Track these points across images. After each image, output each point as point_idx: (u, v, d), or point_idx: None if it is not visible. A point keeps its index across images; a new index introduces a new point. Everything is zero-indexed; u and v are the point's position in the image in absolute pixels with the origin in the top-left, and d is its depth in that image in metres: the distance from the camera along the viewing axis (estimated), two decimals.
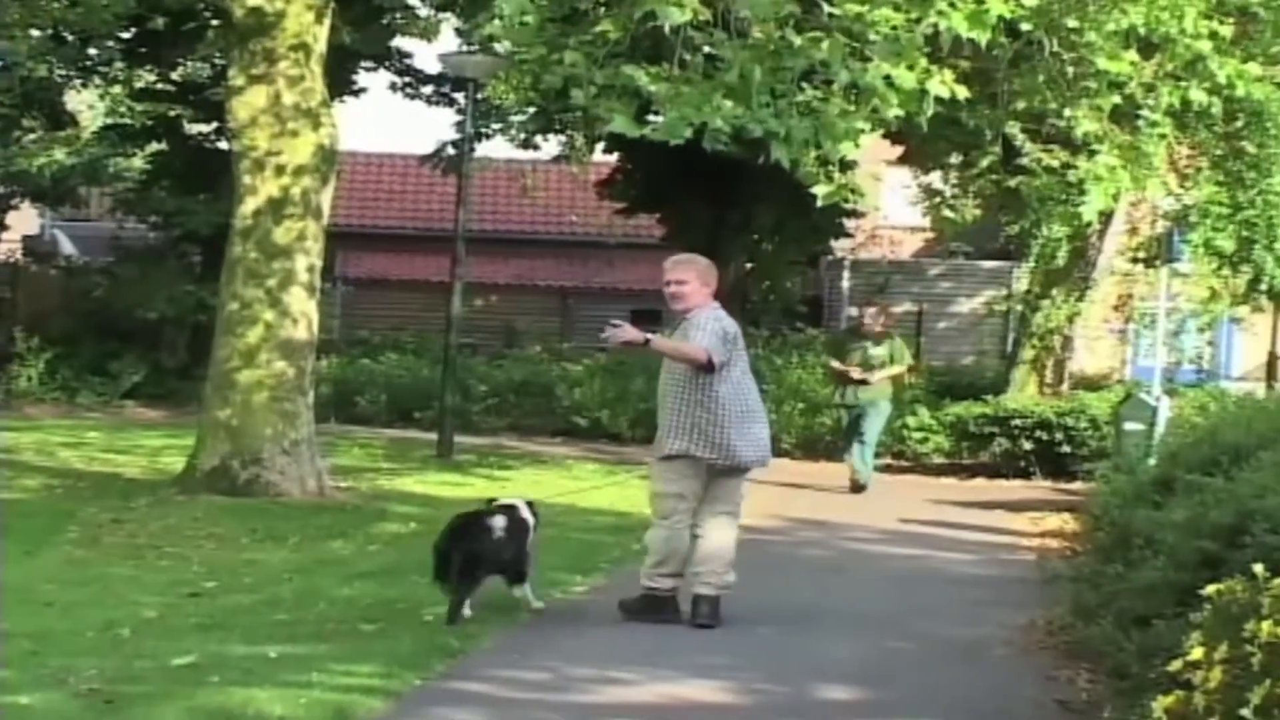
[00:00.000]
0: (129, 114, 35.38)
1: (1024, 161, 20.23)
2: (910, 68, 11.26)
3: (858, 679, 9.44)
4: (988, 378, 29.34)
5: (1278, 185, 22.25)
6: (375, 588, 12.01)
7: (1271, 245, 22.66)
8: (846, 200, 13.74)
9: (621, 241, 39.43)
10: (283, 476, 17.60)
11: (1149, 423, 18.99)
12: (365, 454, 23.59)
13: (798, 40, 11.31)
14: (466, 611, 10.52)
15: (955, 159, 26.37)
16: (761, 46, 11.39)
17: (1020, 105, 17.64)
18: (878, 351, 20.70)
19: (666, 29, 11.23)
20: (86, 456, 21.42)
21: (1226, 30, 14.93)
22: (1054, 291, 26.39)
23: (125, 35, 34.19)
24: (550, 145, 35.46)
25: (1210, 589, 6.16)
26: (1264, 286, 23.68)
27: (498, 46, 23.07)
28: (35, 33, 30.58)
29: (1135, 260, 26.61)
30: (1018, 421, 23.90)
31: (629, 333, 10.81)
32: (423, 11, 34.82)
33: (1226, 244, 22.80)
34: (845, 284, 39.35)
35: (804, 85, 11.81)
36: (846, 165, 20.37)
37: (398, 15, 34.30)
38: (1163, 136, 18.44)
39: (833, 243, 37.55)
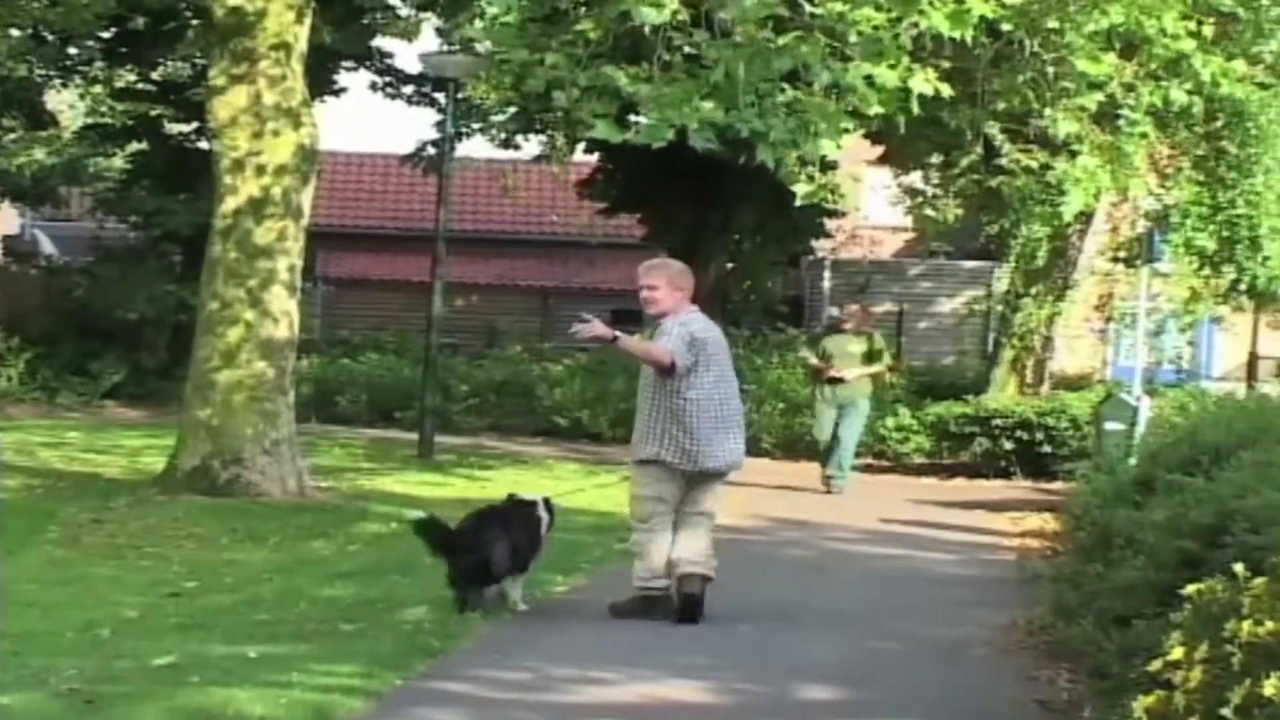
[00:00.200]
0: (109, 114, 35.41)
1: (1003, 162, 20.24)
2: (892, 67, 11.26)
3: (838, 679, 9.45)
4: (968, 378, 29.33)
5: (1259, 185, 22.27)
6: (356, 588, 12.01)
7: (1255, 244, 22.67)
8: (827, 200, 13.76)
9: (602, 241, 39.43)
10: (263, 476, 17.58)
11: (1129, 423, 18.99)
12: (346, 454, 23.57)
13: (780, 40, 11.32)
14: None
15: (936, 159, 26.37)
16: (746, 46, 11.39)
17: (1000, 105, 17.65)
18: (854, 348, 20.62)
19: (646, 29, 11.23)
20: (67, 456, 21.38)
21: (1207, 30, 14.94)
22: (1034, 291, 26.40)
23: (105, 35, 34.15)
24: (531, 145, 35.47)
25: (1191, 589, 6.17)
26: (1244, 286, 23.68)
27: (478, 46, 23.06)
28: (15, 32, 30.54)
29: (1116, 260, 26.61)
30: (998, 421, 23.92)
31: (597, 328, 10.81)
32: (403, 11, 34.79)
33: (1207, 244, 22.81)
34: (826, 284, 39.32)
35: (784, 86, 11.81)
36: (827, 165, 20.37)
37: (378, 15, 34.26)
38: (1144, 135, 18.45)
39: (813, 243, 37.54)
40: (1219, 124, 21.84)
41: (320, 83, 30.74)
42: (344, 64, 35.79)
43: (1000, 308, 28.69)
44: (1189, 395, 23.89)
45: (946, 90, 11.79)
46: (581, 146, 33.01)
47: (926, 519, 18.08)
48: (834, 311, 29.61)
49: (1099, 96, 15.92)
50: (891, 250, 41.43)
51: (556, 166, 35.24)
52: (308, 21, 18.36)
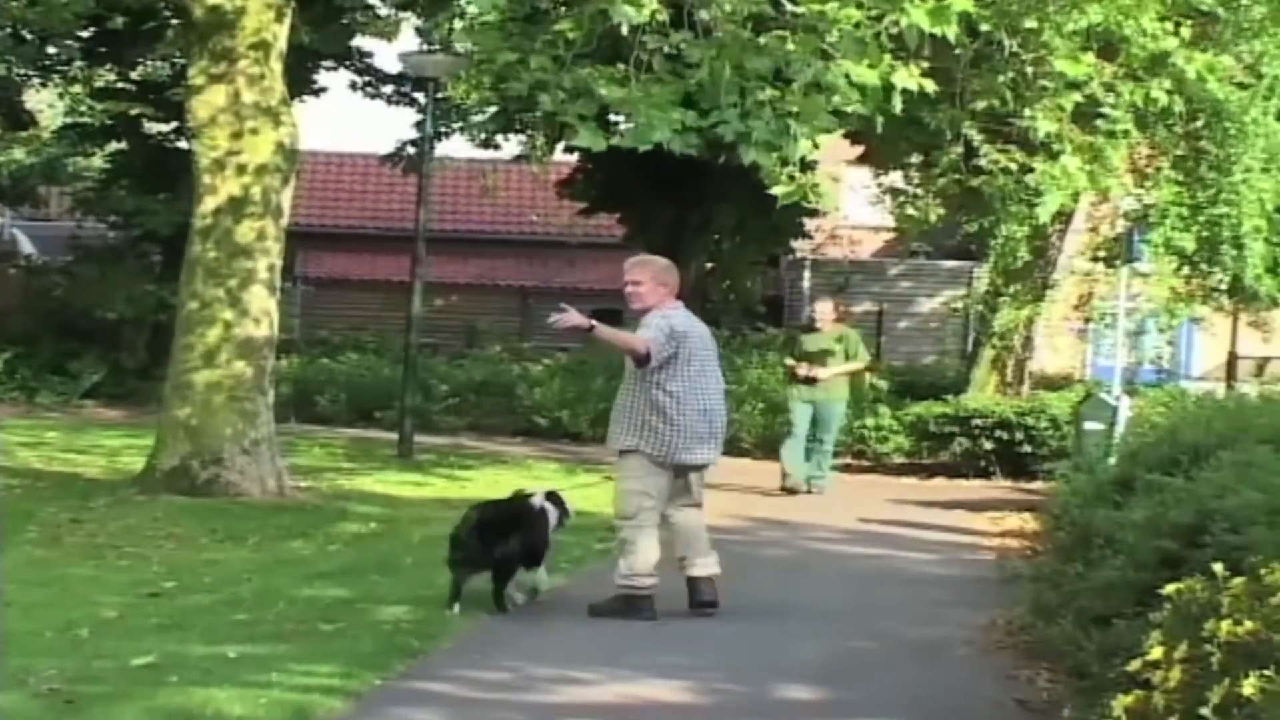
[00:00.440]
0: (88, 113, 35.32)
1: (981, 163, 20.25)
2: (873, 65, 11.26)
3: (818, 678, 9.45)
4: (948, 377, 29.34)
5: (1239, 184, 22.27)
6: (335, 587, 11.99)
7: (1238, 243, 22.66)
8: (807, 200, 13.72)
9: (582, 241, 39.47)
10: (242, 476, 17.54)
11: (1109, 422, 18.98)
12: (325, 454, 23.53)
13: (763, 39, 11.31)
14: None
15: (916, 159, 26.37)
16: (729, 46, 11.38)
17: (980, 105, 17.66)
18: (829, 346, 20.57)
19: (624, 29, 11.22)
20: (46, 456, 21.31)
21: (1185, 31, 14.98)
22: (1014, 291, 26.40)
23: (85, 34, 34.09)
24: (511, 145, 35.46)
25: (1170, 588, 6.18)
26: (1224, 286, 23.68)
27: (458, 45, 23.04)
28: None
29: (1096, 260, 26.61)
30: (978, 421, 23.91)
31: (574, 318, 10.85)
32: (383, 11, 34.75)
33: (1187, 244, 22.81)
34: (806, 284, 39.36)
35: (765, 84, 11.81)
36: (807, 165, 20.34)
37: (358, 15, 34.21)
38: (1125, 133, 18.46)
39: (793, 242, 37.54)
40: (1199, 124, 21.84)
41: (300, 82, 30.70)
42: (324, 63, 35.74)
43: (980, 307, 28.67)
44: (1169, 395, 23.90)
45: (930, 86, 11.80)
46: (561, 146, 32.99)
47: (906, 519, 18.08)
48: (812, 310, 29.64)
49: (1077, 96, 15.94)
50: (871, 250, 41.44)
51: (536, 166, 35.21)
52: (287, 20, 18.32)
